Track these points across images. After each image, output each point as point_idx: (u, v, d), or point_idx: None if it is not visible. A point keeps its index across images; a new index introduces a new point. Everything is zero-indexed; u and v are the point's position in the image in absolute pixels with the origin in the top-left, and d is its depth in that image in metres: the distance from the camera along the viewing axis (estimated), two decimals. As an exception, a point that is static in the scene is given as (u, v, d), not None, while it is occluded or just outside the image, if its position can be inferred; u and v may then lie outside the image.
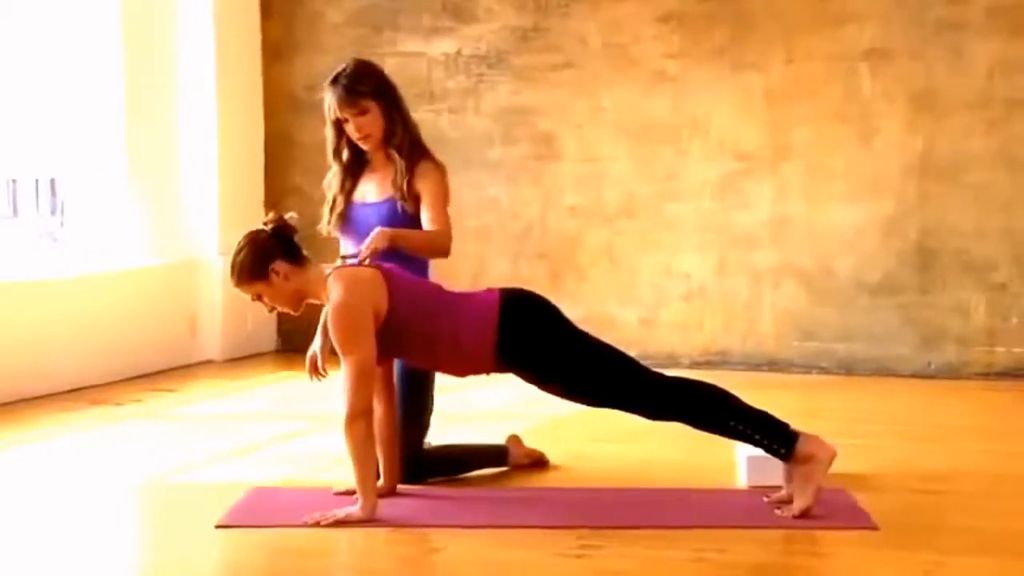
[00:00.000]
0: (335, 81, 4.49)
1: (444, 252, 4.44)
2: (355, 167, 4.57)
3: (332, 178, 4.61)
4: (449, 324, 4.11)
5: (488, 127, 7.67)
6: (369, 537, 3.94)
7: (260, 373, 7.24)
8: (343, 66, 4.54)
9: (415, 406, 4.51)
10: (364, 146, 4.52)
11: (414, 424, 4.51)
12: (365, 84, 4.48)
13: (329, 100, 4.50)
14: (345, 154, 4.56)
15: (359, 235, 4.46)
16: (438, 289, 4.25)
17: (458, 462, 4.71)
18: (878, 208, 7.07)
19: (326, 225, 4.59)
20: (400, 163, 4.48)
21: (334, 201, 4.58)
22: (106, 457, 5.20)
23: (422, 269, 4.51)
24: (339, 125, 4.52)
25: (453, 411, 5.58)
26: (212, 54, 7.56)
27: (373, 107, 4.47)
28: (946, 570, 3.58)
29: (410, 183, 4.46)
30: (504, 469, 4.76)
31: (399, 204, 4.45)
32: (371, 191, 4.54)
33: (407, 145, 4.50)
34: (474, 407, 5.94)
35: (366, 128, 4.47)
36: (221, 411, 6.28)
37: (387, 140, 4.51)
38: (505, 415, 5.76)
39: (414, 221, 4.44)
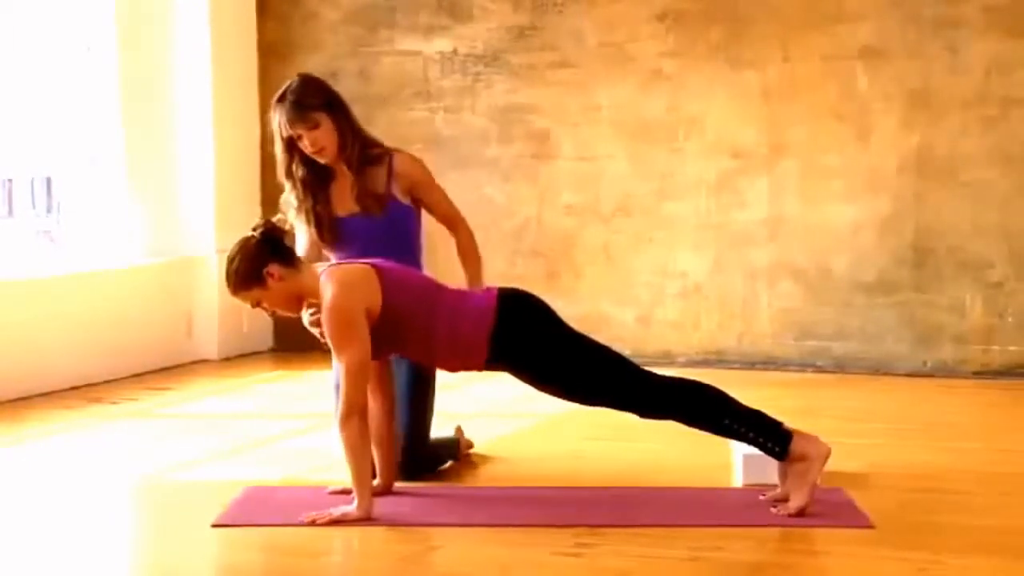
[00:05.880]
0: (282, 99, 4.43)
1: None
2: (314, 182, 4.51)
3: (290, 196, 4.54)
4: (446, 320, 4.11)
5: (484, 126, 7.67)
6: (365, 535, 3.94)
7: (256, 372, 7.23)
8: (288, 83, 4.48)
9: (421, 404, 4.52)
10: (321, 160, 4.47)
11: (421, 421, 4.53)
12: (314, 97, 4.43)
13: (278, 118, 4.43)
14: (300, 172, 4.50)
15: (357, 248, 4.43)
16: (435, 284, 4.24)
17: (438, 456, 4.74)
18: (874, 206, 7.07)
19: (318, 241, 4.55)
20: (350, 177, 4.47)
21: (319, 216, 4.51)
22: (102, 455, 5.20)
23: (415, 266, 4.51)
24: (290, 143, 4.47)
25: (453, 410, 5.58)
26: (208, 53, 7.55)
27: (324, 119, 4.42)
28: (942, 568, 3.58)
29: (394, 180, 4.48)
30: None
31: (390, 206, 4.48)
32: (353, 202, 4.51)
33: (358, 156, 4.47)
34: (474, 406, 5.94)
35: (320, 141, 4.43)
36: (217, 410, 6.27)
37: (342, 151, 4.46)
38: (504, 414, 5.76)
39: (406, 220, 4.50)
